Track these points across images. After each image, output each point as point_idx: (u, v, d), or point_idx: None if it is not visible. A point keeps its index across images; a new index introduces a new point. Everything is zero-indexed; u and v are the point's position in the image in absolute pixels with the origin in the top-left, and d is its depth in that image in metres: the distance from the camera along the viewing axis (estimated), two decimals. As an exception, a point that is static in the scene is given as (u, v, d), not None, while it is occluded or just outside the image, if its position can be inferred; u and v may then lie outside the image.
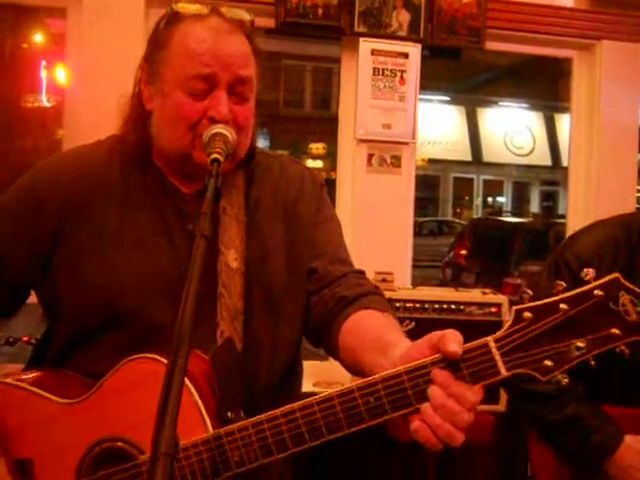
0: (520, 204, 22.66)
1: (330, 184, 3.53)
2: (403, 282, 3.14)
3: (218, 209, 1.27)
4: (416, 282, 3.33)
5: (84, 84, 3.00)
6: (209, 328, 1.20)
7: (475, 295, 2.78)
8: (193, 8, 1.24)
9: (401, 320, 2.70)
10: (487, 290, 2.87)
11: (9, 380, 1.23)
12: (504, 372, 0.92)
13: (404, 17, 3.11)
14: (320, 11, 3.01)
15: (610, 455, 1.62)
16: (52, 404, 1.17)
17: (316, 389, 2.68)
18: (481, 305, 2.69)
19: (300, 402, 1.00)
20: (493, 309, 2.71)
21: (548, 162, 21.20)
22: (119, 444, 1.10)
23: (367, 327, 1.18)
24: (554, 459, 1.72)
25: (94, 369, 1.19)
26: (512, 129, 20.58)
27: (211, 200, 1.05)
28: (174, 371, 0.86)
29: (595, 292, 0.89)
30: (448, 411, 0.93)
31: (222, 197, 1.26)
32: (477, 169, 22.33)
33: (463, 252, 11.41)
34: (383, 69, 3.12)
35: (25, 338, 2.57)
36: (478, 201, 23.33)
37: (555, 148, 20.41)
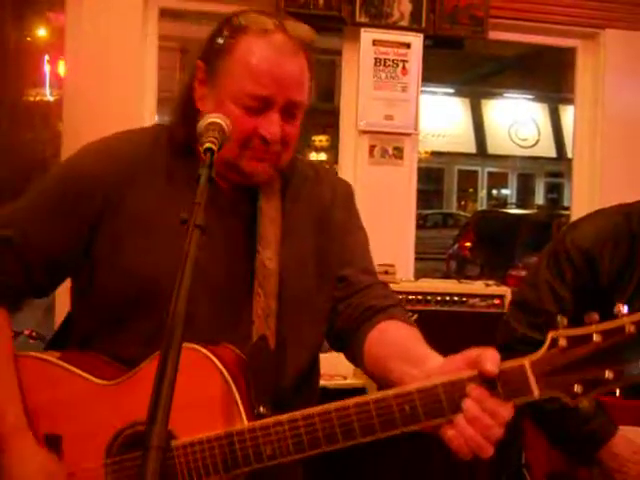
0: (525, 196, 22.59)
1: (333, 176, 3.52)
2: (406, 274, 3.13)
3: (256, 210, 1.31)
4: (420, 274, 3.32)
5: (83, 77, 2.99)
6: (245, 325, 1.23)
7: (478, 287, 2.77)
8: (260, 22, 1.25)
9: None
10: (490, 282, 2.86)
11: (44, 356, 1.25)
12: (536, 393, 0.97)
13: (406, 7, 3.08)
14: (321, 1, 2.99)
15: (604, 444, 1.62)
16: (87, 383, 1.19)
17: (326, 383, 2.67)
18: (484, 297, 2.68)
19: (336, 403, 1.04)
20: (496, 301, 2.70)
21: (553, 154, 21.12)
22: None
23: (395, 337, 1.22)
24: (549, 447, 1.72)
25: (123, 354, 1.21)
26: (517, 121, 20.51)
27: (205, 190, 1.05)
28: (166, 365, 0.86)
29: (628, 327, 0.95)
30: (481, 424, 0.98)
31: (260, 199, 1.31)
32: (481, 161, 22.27)
33: (467, 244, 11.40)
34: (385, 59, 3.10)
35: (27, 331, 2.57)
36: (483, 193, 23.27)
37: (560, 140, 20.32)
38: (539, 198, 22.65)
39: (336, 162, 3.48)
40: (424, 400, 1.00)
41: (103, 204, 1.27)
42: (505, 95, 20.26)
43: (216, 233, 1.26)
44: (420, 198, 3.38)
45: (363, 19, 3.06)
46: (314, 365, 1.38)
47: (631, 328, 0.95)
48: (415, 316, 2.69)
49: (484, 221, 12.37)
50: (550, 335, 0.98)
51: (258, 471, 1.08)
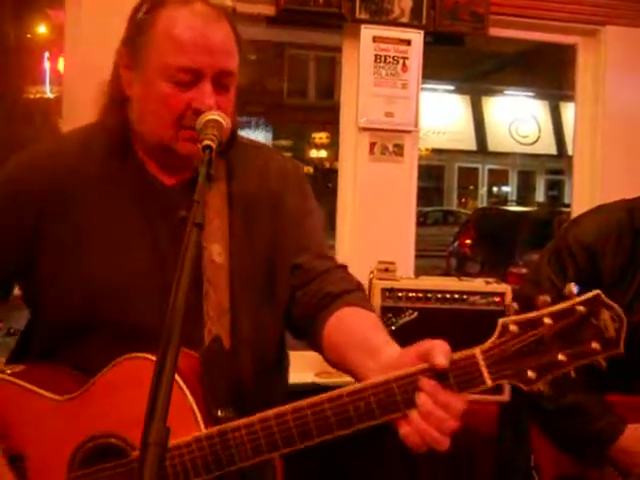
0: (525, 193, 22.57)
1: (334, 173, 3.50)
2: (406, 272, 3.13)
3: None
4: (421, 272, 3.31)
5: (83, 74, 2.98)
6: (196, 326, 1.19)
7: (478, 284, 2.76)
8: None
9: (403, 310, 2.69)
10: (490, 279, 2.85)
11: (1, 375, 1.23)
12: (489, 382, 0.96)
13: (406, 3, 3.07)
14: (321, -2, 2.98)
15: (613, 442, 1.60)
16: (45, 400, 1.17)
17: (317, 379, 2.68)
18: (484, 294, 2.67)
19: (291, 405, 1.03)
20: (496, 298, 2.68)
21: (553, 151, 21.11)
22: (112, 440, 1.11)
23: (352, 325, 1.19)
24: (557, 450, 1.70)
25: (83, 364, 1.18)
26: (517, 118, 20.49)
27: (204, 188, 1.04)
28: (164, 361, 0.85)
29: (578, 308, 0.94)
30: (435, 418, 0.97)
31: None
32: (482, 158, 22.25)
33: (468, 242, 11.40)
34: (385, 56, 3.09)
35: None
36: (483, 190, 23.25)
37: (560, 137, 20.30)
38: (540, 195, 22.64)
39: (336, 159, 3.47)
40: (378, 396, 0.99)
41: (37, 219, 1.23)
42: (506, 92, 20.23)
43: (161, 233, 1.23)
44: (420, 195, 3.37)
45: (363, 16, 3.05)
46: (280, 361, 1.35)
47: (581, 308, 0.94)
48: (415, 313, 2.69)
49: (484, 218, 12.36)
50: (500, 322, 0.97)
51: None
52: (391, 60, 3.09)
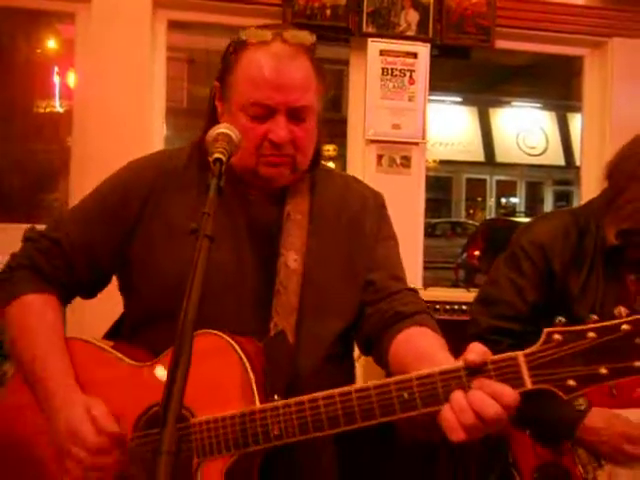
0: (533, 204, 22.53)
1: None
2: (414, 283, 3.13)
3: (283, 214, 1.38)
4: (429, 283, 3.32)
5: (93, 88, 3.02)
6: (264, 321, 1.30)
7: (486, 295, 2.75)
8: (258, 35, 1.31)
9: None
10: (499, 290, 2.84)
11: (90, 339, 1.37)
12: (529, 385, 0.99)
13: (413, 17, 3.10)
14: (328, 12, 3.01)
15: (581, 422, 1.68)
16: (123, 365, 1.29)
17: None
18: (492, 305, 2.67)
19: (340, 389, 1.09)
20: (505, 309, 2.68)
21: (561, 162, 21.07)
22: None
23: (420, 343, 1.26)
24: (532, 441, 1.76)
25: (159, 350, 1.27)
26: (525, 129, 20.48)
27: (214, 200, 1.07)
28: (176, 373, 0.87)
29: (623, 327, 0.97)
30: (475, 398, 0.99)
31: (287, 204, 1.39)
32: (490, 170, 22.24)
33: (476, 253, 11.37)
34: (392, 69, 3.11)
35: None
36: (491, 202, 23.23)
37: (568, 148, 20.28)
38: (548, 206, 22.58)
39: (344, 171, 3.49)
40: (421, 387, 1.03)
41: (139, 210, 1.38)
42: (513, 103, 20.24)
43: (247, 235, 1.36)
44: (428, 207, 3.38)
45: (370, 29, 3.08)
46: (340, 362, 1.42)
47: (626, 327, 0.96)
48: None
49: (493, 230, 12.32)
50: (545, 330, 1.00)
51: (289, 464, 1.18)
52: (398, 73, 3.12)
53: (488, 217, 20.62)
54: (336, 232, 1.41)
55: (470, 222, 20.51)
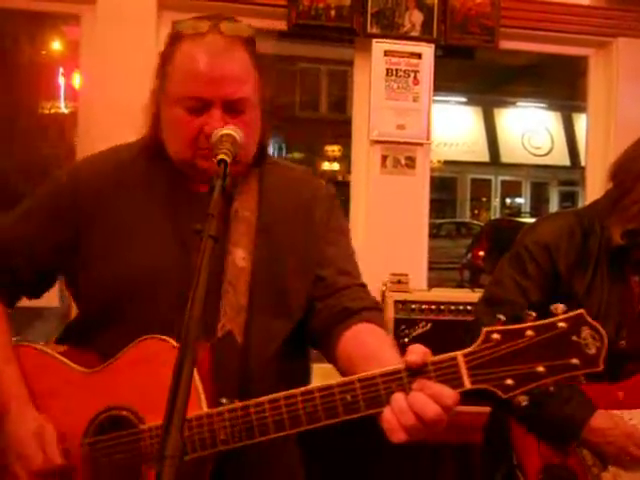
0: (539, 205, 22.50)
1: (346, 186, 3.52)
2: (419, 284, 3.13)
3: (230, 211, 1.35)
4: (434, 284, 3.31)
5: (98, 89, 3.02)
6: (211, 321, 1.27)
7: (491, 296, 2.75)
8: (193, 27, 1.31)
9: (417, 322, 2.69)
10: (504, 291, 2.84)
11: (39, 346, 1.37)
12: (468, 385, 1.00)
13: (417, 17, 3.09)
14: (332, 13, 3.00)
15: (584, 424, 1.69)
16: (73, 371, 1.29)
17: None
18: (497, 306, 2.66)
19: (285, 392, 1.10)
20: (510, 310, 2.68)
21: (567, 162, 21.04)
22: (124, 413, 1.21)
23: (367, 340, 1.26)
24: (537, 443, 1.77)
25: (108, 352, 1.27)
26: (530, 129, 20.45)
27: (218, 201, 1.08)
28: (181, 375, 0.87)
29: (560, 324, 0.97)
30: (415, 400, 1.00)
31: (235, 200, 1.36)
32: (495, 170, 22.22)
33: (481, 253, 11.36)
34: (396, 70, 3.11)
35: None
36: (496, 202, 23.20)
37: (574, 148, 20.24)
38: (553, 207, 22.54)
39: (349, 172, 3.49)
40: (364, 389, 1.04)
41: (85, 212, 1.36)
42: (518, 104, 20.21)
43: (188, 235, 1.29)
44: (433, 207, 3.38)
45: (374, 30, 3.07)
46: (291, 361, 1.41)
47: (563, 325, 0.97)
48: (429, 325, 2.69)
49: (498, 230, 12.32)
50: (484, 330, 1.01)
51: (250, 465, 1.18)
52: (402, 73, 3.11)
53: (493, 217, 20.59)
54: (286, 226, 1.40)
55: (475, 222, 20.48)
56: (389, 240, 3.14)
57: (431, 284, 3.29)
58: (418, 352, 1.02)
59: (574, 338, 0.97)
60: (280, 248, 1.37)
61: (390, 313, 2.65)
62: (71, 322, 1.48)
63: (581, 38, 3.40)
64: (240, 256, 1.31)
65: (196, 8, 3.18)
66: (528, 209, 22.36)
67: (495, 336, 0.99)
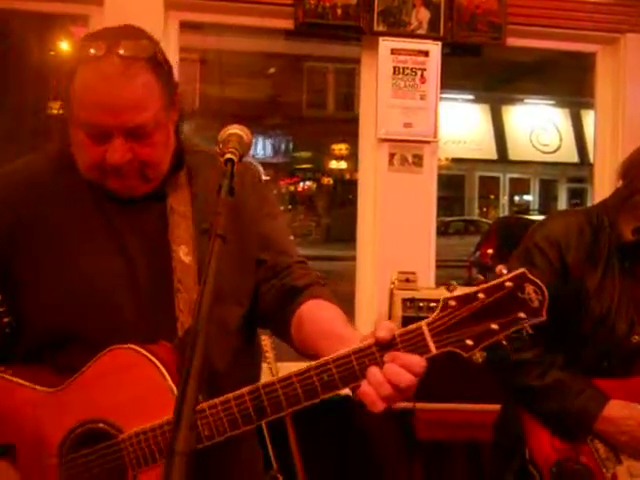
0: (547, 202, 22.43)
1: (353, 185, 3.51)
2: (427, 282, 3.13)
3: (166, 209, 1.33)
4: (442, 282, 3.31)
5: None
6: (169, 320, 1.27)
7: (499, 294, 2.75)
8: (92, 48, 1.21)
9: (424, 319, 2.68)
10: (512, 288, 2.84)
11: None
12: (434, 350, 1.07)
13: (424, 15, 3.09)
14: (339, 11, 3.01)
15: (597, 415, 1.73)
16: (35, 392, 1.24)
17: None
18: (505, 303, 2.66)
19: (264, 381, 1.13)
20: (518, 307, 2.67)
21: (575, 159, 20.96)
22: (100, 425, 1.19)
23: (320, 317, 1.28)
24: (550, 438, 1.79)
25: (66, 366, 1.25)
26: (538, 126, 20.38)
27: (225, 200, 1.08)
28: (190, 371, 0.88)
29: (506, 284, 1.06)
30: (389, 372, 1.06)
31: (168, 197, 1.34)
32: (503, 167, 22.16)
33: (489, 251, 11.31)
34: (403, 68, 3.11)
35: None
36: (504, 200, 23.14)
37: (582, 145, 20.16)
38: (562, 204, 22.46)
39: (356, 170, 3.49)
40: (339, 368, 1.09)
41: (9, 227, 1.30)
42: (526, 101, 20.15)
43: (133, 239, 1.31)
44: (442, 205, 3.38)
45: (381, 28, 3.07)
46: (248, 350, 1.43)
47: (509, 284, 1.06)
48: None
49: (506, 228, 12.25)
50: (442, 299, 1.09)
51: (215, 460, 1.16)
52: (409, 72, 3.11)
53: (501, 215, 20.54)
54: None
55: (484, 220, 20.44)
56: (397, 238, 3.14)
57: (440, 282, 3.29)
58: (386, 328, 1.08)
59: (519, 294, 1.06)
60: None
61: (398, 311, 2.66)
62: (7, 345, 1.38)
63: (588, 34, 3.40)
64: (184, 252, 1.30)
65: (203, 8, 3.19)
66: (537, 206, 22.29)
67: (452, 302, 1.08)
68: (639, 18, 3.35)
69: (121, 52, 1.20)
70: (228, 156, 1.16)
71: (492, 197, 23.34)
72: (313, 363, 1.11)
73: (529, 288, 1.06)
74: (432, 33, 3.11)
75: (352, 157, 16.59)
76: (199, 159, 1.42)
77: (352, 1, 3.02)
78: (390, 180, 3.18)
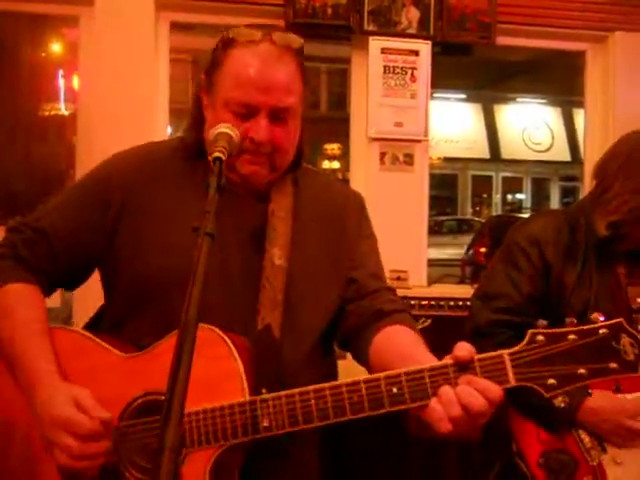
0: (540, 200, 22.51)
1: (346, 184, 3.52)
2: (419, 280, 3.14)
3: (267, 211, 1.40)
4: (435, 281, 3.32)
5: (97, 91, 3.04)
6: (250, 313, 1.32)
7: (491, 291, 2.76)
8: (247, 34, 1.32)
9: (416, 318, 2.69)
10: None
11: (77, 329, 1.39)
12: (512, 382, 1.05)
13: (413, 14, 3.10)
14: (329, 11, 3.02)
15: (581, 405, 1.74)
16: (111, 355, 1.30)
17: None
18: (497, 301, 2.67)
19: (330, 383, 1.13)
20: (509, 305, 2.69)
21: (567, 157, 21.04)
22: (162, 398, 1.18)
23: (401, 341, 1.30)
24: (536, 430, 1.81)
25: (142, 343, 1.30)
26: (530, 125, 20.45)
27: (214, 199, 1.09)
28: (179, 369, 0.88)
29: (601, 331, 1.04)
30: (462, 393, 1.04)
31: (271, 201, 1.41)
32: (495, 166, 22.22)
33: (482, 250, 11.34)
34: (394, 67, 3.12)
35: None
36: (497, 198, 23.21)
37: (574, 143, 20.23)
38: (554, 202, 22.54)
39: (348, 169, 3.50)
40: (410, 382, 1.08)
41: (122, 203, 1.39)
42: (518, 100, 20.22)
43: (233, 232, 1.36)
44: (434, 204, 3.40)
45: (371, 28, 3.08)
46: (323, 356, 1.44)
47: (604, 331, 1.04)
48: (429, 321, 2.70)
49: (499, 226, 12.28)
50: (530, 331, 1.06)
51: (273, 461, 1.20)
52: (400, 71, 3.12)
53: (494, 214, 20.59)
54: (319, 229, 1.44)
55: (476, 219, 20.48)
56: (388, 237, 3.12)
57: (432, 281, 3.30)
58: (465, 349, 1.06)
59: (614, 344, 1.03)
60: (314, 249, 1.42)
61: (390, 309, 2.66)
62: (100, 311, 1.50)
63: (578, 33, 3.42)
64: (277, 254, 1.36)
65: (194, 9, 3.20)
66: (529, 205, 22.36)
67: (540, 338, 1.05)
68: (628, 16, 3.37)
69: (275, 39, 1.31)
70: (216, 155, 1.17)
71: (485, 196, 23.40)
72: (384, 373, 1.10)
73: (625, 340, 1.04)
74: (422, 32, 3.12)
75: (345, 157, 16.58)
76: (308, 174, 1.50)
77: (342, 1, 3.03)
78: (381, 179, 3.18)
